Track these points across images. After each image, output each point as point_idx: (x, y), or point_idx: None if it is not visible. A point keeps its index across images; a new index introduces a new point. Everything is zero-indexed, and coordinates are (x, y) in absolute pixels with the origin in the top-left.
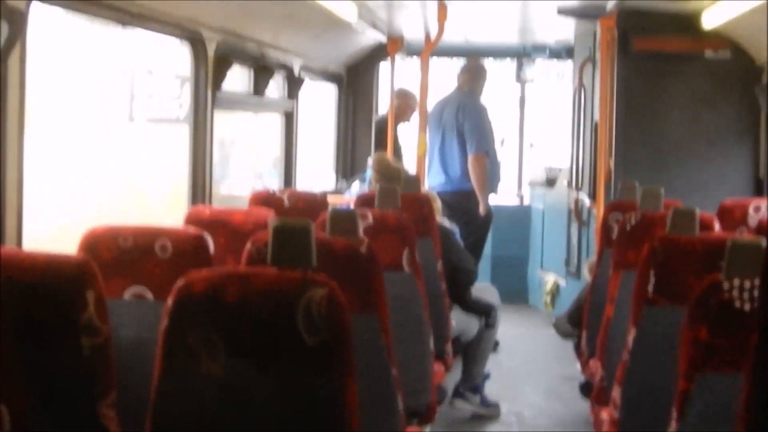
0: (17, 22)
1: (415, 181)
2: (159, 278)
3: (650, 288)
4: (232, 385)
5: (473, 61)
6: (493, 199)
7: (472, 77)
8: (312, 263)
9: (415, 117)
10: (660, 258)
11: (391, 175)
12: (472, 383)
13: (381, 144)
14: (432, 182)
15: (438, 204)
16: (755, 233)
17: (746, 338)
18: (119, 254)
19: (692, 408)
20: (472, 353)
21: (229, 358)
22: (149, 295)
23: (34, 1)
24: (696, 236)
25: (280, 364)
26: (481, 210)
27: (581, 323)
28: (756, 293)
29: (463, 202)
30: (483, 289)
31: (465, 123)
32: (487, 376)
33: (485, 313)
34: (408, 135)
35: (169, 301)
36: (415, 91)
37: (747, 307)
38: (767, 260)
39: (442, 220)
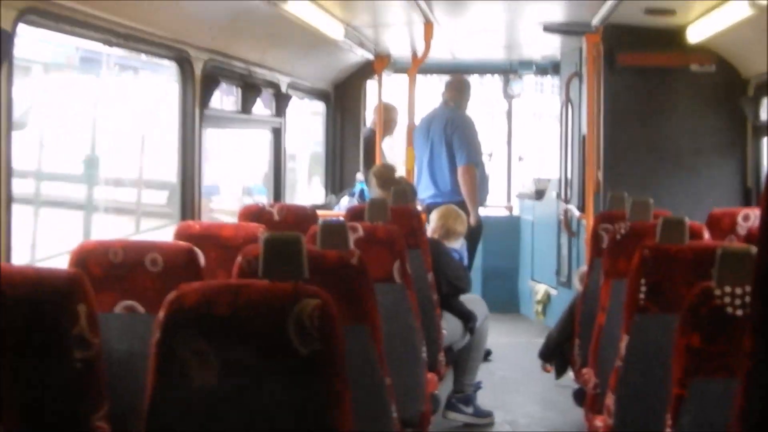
0: (3, 42)
1: (404, 193)
2: (150, 292)
3: (641, 296)
4: (225, 397)
5: (458, 76)
6: (483, 211)
7: (458, 92)
8: (303, 275)
9: (399, 131)
10: (650, 266)
11: (390, 182)
12: (463, 394)
13: (369, 158)
14: (421, 195)
15: (460, 227)
16: (744, 242)
17: (739, 344)
18: (110, 268)
19: (686, 414)
20: (462, 363)
21: (222, 370)
22: (140, 309)
23: (21, 22)
24: (686, 245)
25: (273, 374)
26: (472, 221)
27: (552, 358)
28: (747, 299)
29: None
30: (471, 300)
31: (453, 136)
32: (478, 386)
33: (465, 318)
34: (391, 148)
35: (161, 314)
36: (403, 108)
37: (739, 312)
38: (758, 266)
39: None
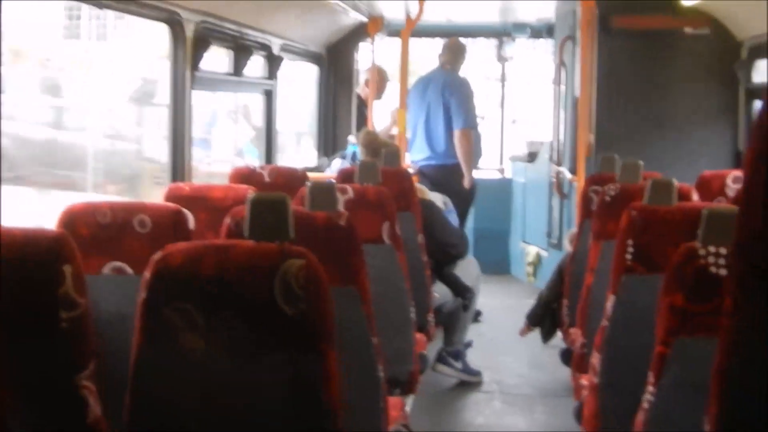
0: None
1: (395, 155)
2: (138, 253)
3: (629, 257)
4: (211, 357)
5: (454, 39)
6: (476, 173)
7: (454, 55)
8: (289, 235)
9: (388, 94)
10: (638, 227)
11: (378, 149)
12: (453, 349)
13: (361, 121)
14: (414, 157)
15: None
16: (733, 203)
17: (722, 303)
18: (98, 230)
19: (669, 372)
20: (453, 323)
21: (208, 330)
22: (129, 270)
23: None
24: (674, 206)
25: (259, 335)
26: (466, 183)
27: (541, 322)
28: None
29: (447, 176)
30: (464, 261)
31: (451, 99)
32: (469, 344)
33: (461, 293)
34: (382, 111)
35: (147, 274)
36: (396, 71)
37: (723, 272)
38: (739, 224)
39: (435, 198)
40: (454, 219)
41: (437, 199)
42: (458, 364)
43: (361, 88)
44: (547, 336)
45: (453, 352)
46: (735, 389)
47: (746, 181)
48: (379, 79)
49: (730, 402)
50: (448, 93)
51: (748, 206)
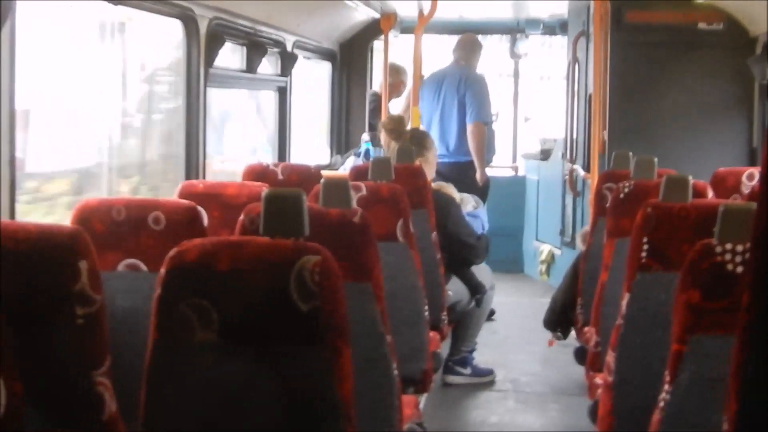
0: (5, 8)
1: (408, 151)
2: (153, 250)
3: (643, 254)
4: (226, 353)
5: (469, 35)
6: (489, 171)
7: (469, 51)
8: (304, 232)
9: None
10: (653, 224)
11: (403, 133)
12: (459, 357)
13: (375, 120)
14: None
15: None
16: (748, 200)
17: (738, 300)
18: (113, 226)
19: (685, 370)
20: (462, 330)
21: (223, 327)
22: (143, 267)
23: None
24: (689, 203)
25: (274, 331)
26: (479, 178)
27: (559, 325)
28: (748, 256)
29: (460, 174)
30: (478, 269)
31: (466, 93)
32: (473, 348)
33: (475, 290)
34: (403, 110)
35: (162, 270)
36: (409, 68)
37: (739, 270)
38: (757, 221)
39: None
40: (479, 224)
41: (468, 201)
42: (467, 371)
43: (380, 87)
44: (565, 336)
45: (459, 360)
46: (753, 385)
47: (764, 174)
48: (398, 78)
49: (749, 398)
50: (463, 88)
51: (766, 199)
